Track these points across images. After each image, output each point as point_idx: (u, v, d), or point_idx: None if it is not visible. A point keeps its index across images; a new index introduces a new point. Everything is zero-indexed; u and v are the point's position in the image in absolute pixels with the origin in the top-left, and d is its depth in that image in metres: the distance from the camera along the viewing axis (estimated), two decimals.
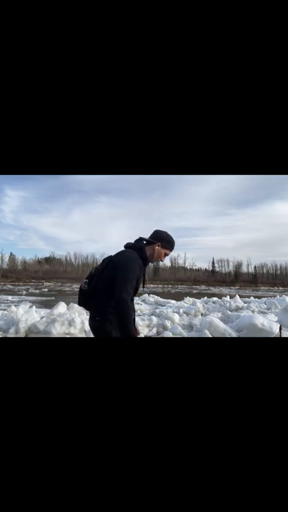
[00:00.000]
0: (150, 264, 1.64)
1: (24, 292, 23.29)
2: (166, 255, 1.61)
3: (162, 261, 1.62)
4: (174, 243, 1.63)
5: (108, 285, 1.40)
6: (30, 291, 25.17)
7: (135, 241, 1.59)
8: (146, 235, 1.63)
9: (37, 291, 25.67)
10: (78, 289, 1.56)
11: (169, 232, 1.63)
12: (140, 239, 1.59)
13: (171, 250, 1.62)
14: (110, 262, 1.48)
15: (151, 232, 1.64)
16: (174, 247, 1.64)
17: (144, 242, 1.56)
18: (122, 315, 1.29)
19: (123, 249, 1.56)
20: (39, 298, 17.59)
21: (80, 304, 1.55)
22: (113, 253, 1.56)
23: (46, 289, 27.73)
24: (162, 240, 1.58)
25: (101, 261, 1.56)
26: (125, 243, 1.60)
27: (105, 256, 1.59)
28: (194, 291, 31.15)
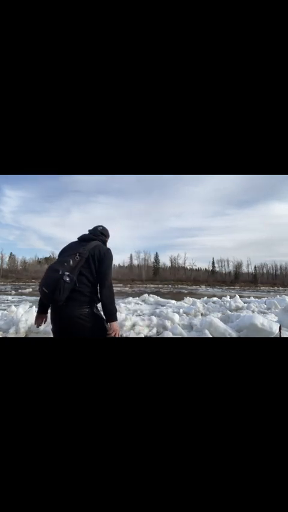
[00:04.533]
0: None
1: (13, 292, 22.95)
2: None
3: None
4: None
5: (95, 277, 1.59)
6: (13, 292, 24.67)
7: (96, 234, 1.78)
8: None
9: (26, 290, 25.22)
10: None
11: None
12: (99, 233, 1.81)
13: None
14: (95, 256, 1.62)
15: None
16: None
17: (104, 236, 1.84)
18: (113, 299, 1.61)
19: (89, 235, 1.77)
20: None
21: (60, 297, 1.46)
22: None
23: (31, 289, 27.06)
24: (108, 236, 1.87)
25: (73, 254, 1.62)
26: (85, 235, 1.76)
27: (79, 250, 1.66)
28: (185, 291, 30.91)
